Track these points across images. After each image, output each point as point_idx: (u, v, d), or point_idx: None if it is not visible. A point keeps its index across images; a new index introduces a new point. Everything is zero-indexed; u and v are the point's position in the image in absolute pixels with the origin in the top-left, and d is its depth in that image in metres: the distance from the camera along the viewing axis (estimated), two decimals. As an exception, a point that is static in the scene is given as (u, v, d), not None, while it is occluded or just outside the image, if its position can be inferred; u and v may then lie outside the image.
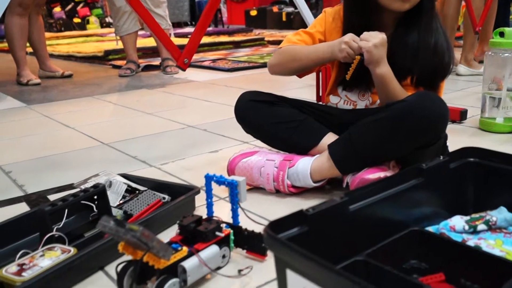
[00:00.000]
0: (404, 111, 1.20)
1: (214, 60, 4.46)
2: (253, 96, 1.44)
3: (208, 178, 1.03)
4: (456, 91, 2.68)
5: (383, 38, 1.27)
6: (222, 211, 1.20)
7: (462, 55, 3.25)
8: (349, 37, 1.29)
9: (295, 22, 8.32)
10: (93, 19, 10.07)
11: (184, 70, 1.68)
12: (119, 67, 4.16)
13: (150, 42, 5.14)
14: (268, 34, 7.51)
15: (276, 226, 0.73)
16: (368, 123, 1.25)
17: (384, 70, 1.29)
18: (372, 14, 1.35)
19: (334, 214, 0.82)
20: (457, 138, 1.82)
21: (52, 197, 1.41)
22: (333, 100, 1.49)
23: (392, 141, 1.23)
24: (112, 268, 1.00)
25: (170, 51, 1.63)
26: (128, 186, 1.30)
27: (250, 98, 1.43)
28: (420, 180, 0.99)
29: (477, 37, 3.30)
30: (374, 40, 1.26)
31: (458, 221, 1.01)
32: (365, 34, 1.28)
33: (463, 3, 3.21)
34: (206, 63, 4.27)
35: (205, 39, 5.98)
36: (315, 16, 1.75)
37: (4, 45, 5.70)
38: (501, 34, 1.86)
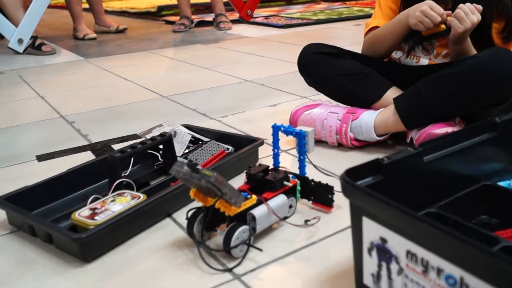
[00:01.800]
0: (477, 66, 1.17)
1: (267, 17, 4.38)
2: (317, 48, 1.43)
3: (276, 128, 1.03)
4: None
5: (479, 18, 1.22)
6: (286, 163, 1.20)
7: None
8: (427, 4, 1.25)
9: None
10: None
11: (247, 21, 1.66)
12: (172, 22, 4.17)
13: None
14: None
15: (352, 173, 0.72)
16: (439, 77, 1.22)
17: (465, 36, 1.26)
18: None
19: (409, 164, 0.81)
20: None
21: (116, 147, 1.43)
22: (396, 54, 1.46)
23: (463, 97, 1.20)
24: (179, 216, 1.02)
25: (233, 2, 1.61)
26: (192, 136, 1.31)
27: (314, 50, 1.42)
28: (493, 134, 0.96)
29: None
30: (473, 19, 1.21)
31: (530, 177, 0.98)
32: (465, 7, 1.22)
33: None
34: (259, 20, 4.19)
35: None
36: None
37: (61, 0, 5.78)
38: None
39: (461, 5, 1.22)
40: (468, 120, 1.29)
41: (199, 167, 0.81)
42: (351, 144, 1.32)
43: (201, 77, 2.30)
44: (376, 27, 1.42)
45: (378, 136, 1.30)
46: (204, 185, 0.82)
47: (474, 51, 1.29)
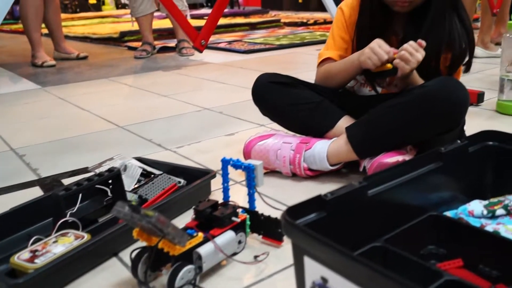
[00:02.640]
0: (426, 96, 1.20)
1: (230, 42, 4.44)
2: (270, 77, 1.43)
3: (225, 162, 1.02)
4: (472, 74, 2.64)
5: (423, 54, 1.25)
6: (238, 196, 1.19)
7: (479, 37, 3.21)
8: (376, 42, 1.28)
9: (312, 3, 8.24)
10: (108, 0, 10.06)
11: (201, 51, 1.66)
12: (134, 48, 4.16)
13: (166, 23, 5.12)
14: (284, 15, 7.46)
15: (294, 211, 0.72)
16: (389, 107, 1.25)
17: (412, 73, 1.30)
18: (383, 14, 1.35)
19: (352, 199, 0.80)
20: (474, 121, 1.79)
21: (66, 181, 1.40)
22: (350, 83, 1.47)
23: (412, 126, 1.23)
24: (126, 255, 1.00)
25: (187, 32, 1.62)
26: (143, 170, 1.29)
27: (268, 80, 1.42)
28: (439, 164, 0.97)
29: (494, 18, 3.24)
30: (418, 58, 1.24)
31: (476, 206, 0.99)
32: (408, 48, 1.24)
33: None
34: (222, 45, 4.24)
35: (221, 21, 5.93)
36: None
37: (19, 26, 5.72)
38: None
39: (405, 46, 1.25)
40: (420, 147, 1.31)
41: (139, 207, 0.80)
42: (305, 174, 1.32)
43: (160, 105, 2.29)
44: (329, 58, 1.44)
45: (331, 165, 1.30)
46: (146, 225, 0.80)
47: (421, 82, 1.31)
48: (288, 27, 5.77)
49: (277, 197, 1.21)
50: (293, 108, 1.38)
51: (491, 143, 1.08)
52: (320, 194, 0.77)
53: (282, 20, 6.24)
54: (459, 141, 1.02)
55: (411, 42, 1.25)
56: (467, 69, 1.39)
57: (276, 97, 1.40)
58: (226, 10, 8.97)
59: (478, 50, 3.15)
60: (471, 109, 1.93)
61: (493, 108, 1.95)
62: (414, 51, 1.24)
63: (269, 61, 3.41)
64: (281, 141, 1.36)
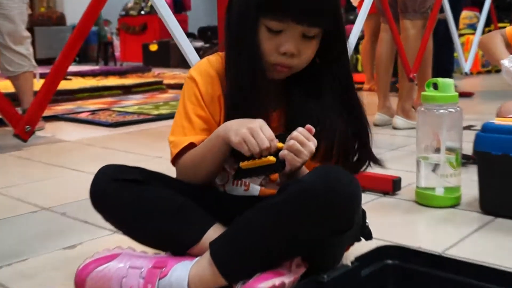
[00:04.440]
0: (301, 194, 1.18)
1: (94, 111, 4.39)
2: (115, 173, 1.36)
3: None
4: (392, 150, 2.72)
5: (315, 143, 1.25)
6: None
7: (399, 104, 3.33)
8: (258, 123, 1.26)
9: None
10: None
11: (25, 141, 1.57)
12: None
13: (7, 87, 4.97)
14: (171, 74, 7.54)
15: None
16: (255, 212, 1.23)
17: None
18: (260, 82, 1.33)
19: None
20: (388, 216, 1.81)
21: None
22: (219, 179, 1.43)
23: (290, 234, 1.20)
24: None
25: (4, 114, 1.53)
26: None
27: (111, 176, 1.36)
28: (320, 294, 0.94)
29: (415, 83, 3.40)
30: (311, 148, 1.24)
31: None
32: (299, 136, 1.24)
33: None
34: (83, 116, 4.20)
35: (86, 83, 5.90)
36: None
37: None
38: (435, 86, 1.89)
39: (294, 134, 1.24)
40: (311, 260, 1.27)
41: None
42: (161, 311, 1.25)
43: (-17, 204, 2.16)
44: (192, 144, 1.38)
45: (196, 296, 1.24)
46: None
47: (306, 171, 1.30)
48: (173, 91, 5.81)
49: None
50: (146, 215, 1.33)
51: (390, 261, 1.09)
52: None
53: (166, 81, 6.31)
54: (349, 263, 1.01)
55: (301, 129, 1.24)
56: (357, 167, 1.40)
57: (122, 201, 1.34)
58: (97, 67, 8.95)
59: (398, 120, 3.27)
60: (386, 199, 2.02)
61: (413, 197, 1.99)
62: (305, 140, 1.23)
63: (142, 138, 3.40)
64: (127, 265, 1.28)
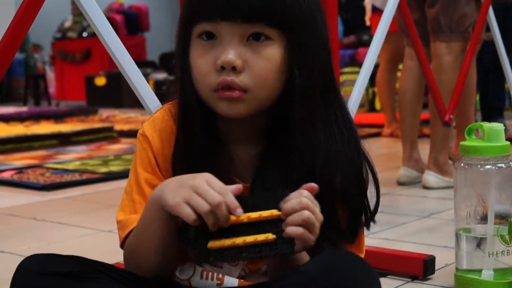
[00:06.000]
0: None
1: (21, 169, 4.37)
2: (44, 265, 1.28)
3: None
4: (422, 218, 2.66)
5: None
6: None
7: (431, 156, 3.26)
8: (203, 178, 1.19)
9: (171, 95, 8.32)
10: None
11: None
12: None
13: None
14: (124, 117, 7.61)
15: None
16: None
17: None
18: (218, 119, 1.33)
19: None
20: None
21: None
22: (183, 273, 1.38)
23: None
24: None
25: None
26: None
27: (40, 269, 1.28)
28: None
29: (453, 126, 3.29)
30: (320, 218, 1.19)
31: None
32: (309, 204, 1.17)
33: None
34: (5, 175, 4.17)
35: (11, 130, 5.91)
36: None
37: None
38: (478, 132, 1.83)
39: (303, 201, 1.18)
40: None
41: None
42: None
43: None
44: None
45: None
46: None
47: (306, 258, 1.26)
48: (127, 139, 5.87)
49: None
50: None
51: None
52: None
53: (118, 127, 6.38)
54: None
55: (304, 192, 1.18)
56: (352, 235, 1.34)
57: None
58: (24, 108, 8.85)
59: (430, 177, 3.25)
60: (415, 287, 1.97)
61: (450, 283, 1.93)
62: (316, 210, 1.18)
63: (86, 206, 3.38)
64: None
